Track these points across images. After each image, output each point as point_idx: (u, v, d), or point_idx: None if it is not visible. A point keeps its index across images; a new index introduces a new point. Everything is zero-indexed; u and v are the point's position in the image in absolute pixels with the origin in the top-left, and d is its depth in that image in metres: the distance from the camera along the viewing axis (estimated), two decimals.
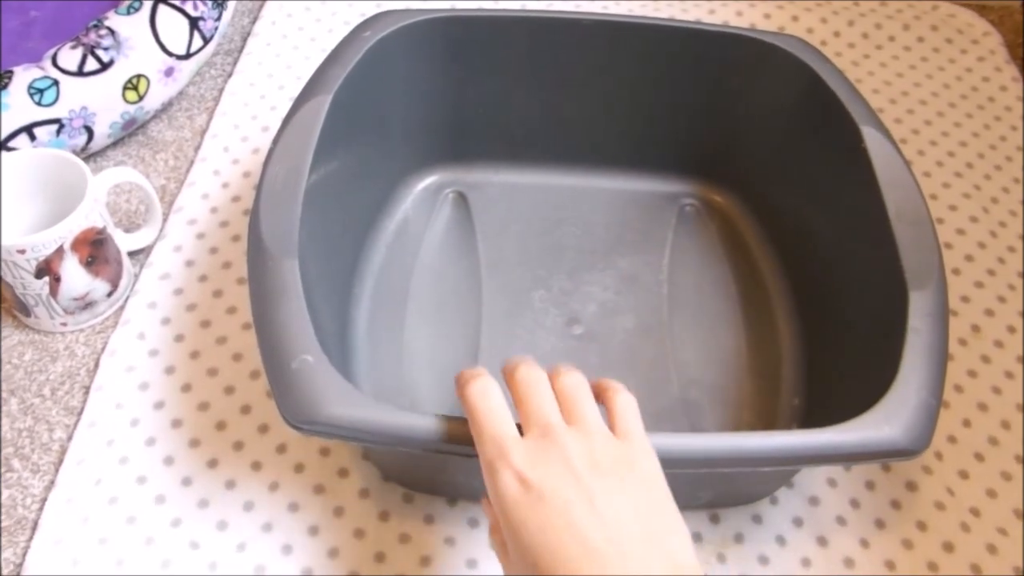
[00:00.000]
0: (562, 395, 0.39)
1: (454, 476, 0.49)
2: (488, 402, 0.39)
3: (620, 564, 0.34)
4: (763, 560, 0.50)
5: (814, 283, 0.58)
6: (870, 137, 0.52)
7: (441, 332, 0.57)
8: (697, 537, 0.51)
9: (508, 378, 0.40)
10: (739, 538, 0.51)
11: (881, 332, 0.47)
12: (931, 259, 0.47)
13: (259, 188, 0.48)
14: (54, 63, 0.63)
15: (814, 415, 0.53)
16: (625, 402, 0.40)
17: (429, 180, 0.65)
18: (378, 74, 0.56)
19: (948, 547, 0.51)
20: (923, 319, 0.44)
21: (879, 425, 0.41)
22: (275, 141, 0.50)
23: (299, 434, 0.41)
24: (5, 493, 0.51)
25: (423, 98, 0.60)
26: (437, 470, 0.49)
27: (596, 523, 0.34)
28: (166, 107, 0.70)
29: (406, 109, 0.60)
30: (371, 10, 0.77)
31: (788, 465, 0.45)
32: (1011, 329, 0.60)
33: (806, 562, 0.50)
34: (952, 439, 0.55)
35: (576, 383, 0.40)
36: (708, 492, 0.50)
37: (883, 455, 0.41)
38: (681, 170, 0.65)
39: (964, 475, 0.53)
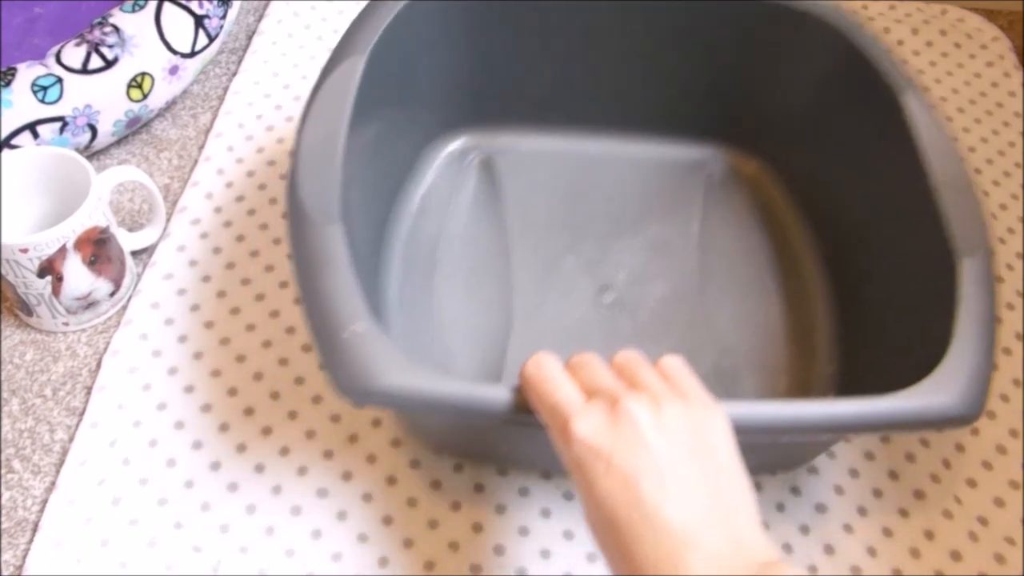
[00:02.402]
0: (620, 368, 0.40)
1: (505, 446, 0.49)
2: (546, 371, 0.39)
3: (685, 544, 0.34)
4: (804, 529, 0.50)
5: (847, 251, 0.57)
6: (909, 104, 0.51)
7: (473, 299, 0.57)
8: None
9: (564, 367, 0.40)
10: (780, 507, 0.51)
11: (924, 300, 0.47)
12: (979, 225, 0.47)
13: (296, 152, 0.47)
14: (58, 60, 0.62)
15: (849, 382, 0.53)
16: (673, 363, 0.40)
17: (454, 145, 0.64)
18: (407, 37, 0.54)
19: (999, 501, 0.51)
20: (974, 286, 0.44)
21: (937, 392, 0.41)
22: (310, 103, 0.49)
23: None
24: (6, 495, 0.51)
25: (449, 62, 0.59)
26: (487, 440, 0.49)
27: (663, 498, 0.34)
28: (170, 105, 0.70)
29: (433, 73, 0.59)
30: None
31: (851, 432, 0.45)
32: (1007, 351, 0.59)
33: (848, 528, 0.50)
34: (1005, 398, 0.56)
35: (632, 355, 0.40)
36: (753, 459, 0.50)
37: (941, 423, 0.42)
38: (710, 137, 0.64)
39: (1015, 433, 0.54)
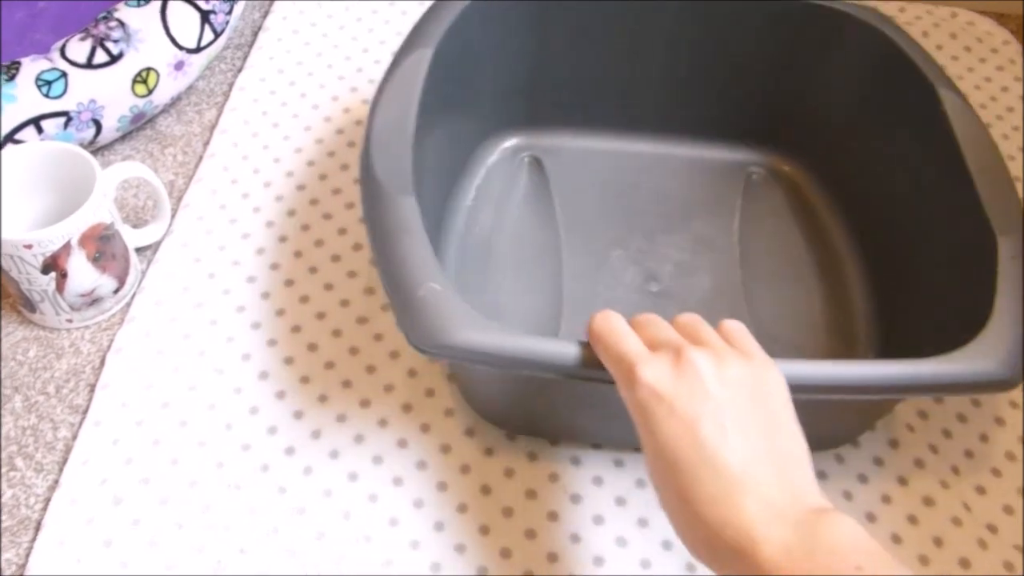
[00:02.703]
0: (683, 327, 0.41)
1: (559, 414, 0.51)
2: (612, 324, 0.41)
3: (741, 487, 0.35)
4: (847, 496, 0.52)
5: (884, 243, 0.59)
6: (947, 99, 0.54)
7: (525, 288, 0.59)
8: None
9: (630, 324, 0.42)
10: (822, 475, 0.52)
11: (961, 285, 0.50)
12: (1014, 206, 0.49)
13: (368, 133, 0.50)
14: (63, 55, 0.62)
15: None
16: (735, 325, 0.42)
17: (507, 144, 0.66)
18: (470, 34, 0.57)
19: None
20: (1011, 261, 0.47)
21: (980, 356, 0.43)
22: (380, 90, 0.52)
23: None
24: (8, 492, 0.50)
25: (507, 61, 0.62)
26: (541, 409, 0.51)
27: (722, 442, 0.36)
28: (175, 101, 0.69)
29: (492, 72, 0.62)
30: (384, 8, 0.77)
31: (895, 394, 0.48)
32: None
33: (886, 499, 0.52)
34: None
35: (694, 316, 0.42)
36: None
37: (984, 386, 0.44)
38: (749, 139, 0.67)
39: None
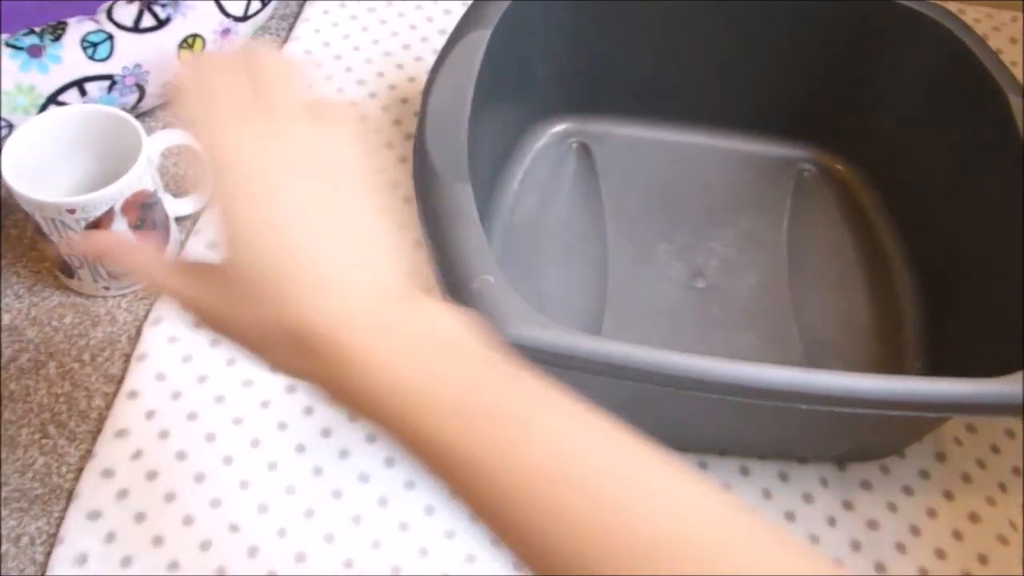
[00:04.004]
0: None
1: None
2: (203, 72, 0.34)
3: (309, 267, 0.30)
4: (892, 507, 0.51)
5: (940, 254, 0.58)
6: (1016, 106, 0.52)
7: (569, 279, 0.58)
8: (823, 483, 0.51)
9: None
10: (866, 485, 0.52)
11: (1016, 299, 0.48)
12: None
13: (422, 115, 0.49)
14: (109, 17, 0.60)
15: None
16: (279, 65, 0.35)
17: (556, 129, 0.65)
18: (528, 16, 0.56)
19: None
20: None
21: None
22: (435, 70, 0.51)
23: None
24: (40, 460, 0.50)
25: (562, 45, 0.61)
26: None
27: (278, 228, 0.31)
28: None
29: (547, 55, 0.60)
30: None
31: (944, 413, 0.47)
32: None
33: (932, 513, 0.51)
34: None
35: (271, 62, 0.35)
36: (843, 445, 0.51)
37: None
38: (801, 136, 0.66)
39: None
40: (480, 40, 0.52)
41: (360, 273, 0.31)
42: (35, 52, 0.58)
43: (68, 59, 0.58)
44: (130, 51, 0.60)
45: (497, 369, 0.30)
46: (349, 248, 0.32)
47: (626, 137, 0.65)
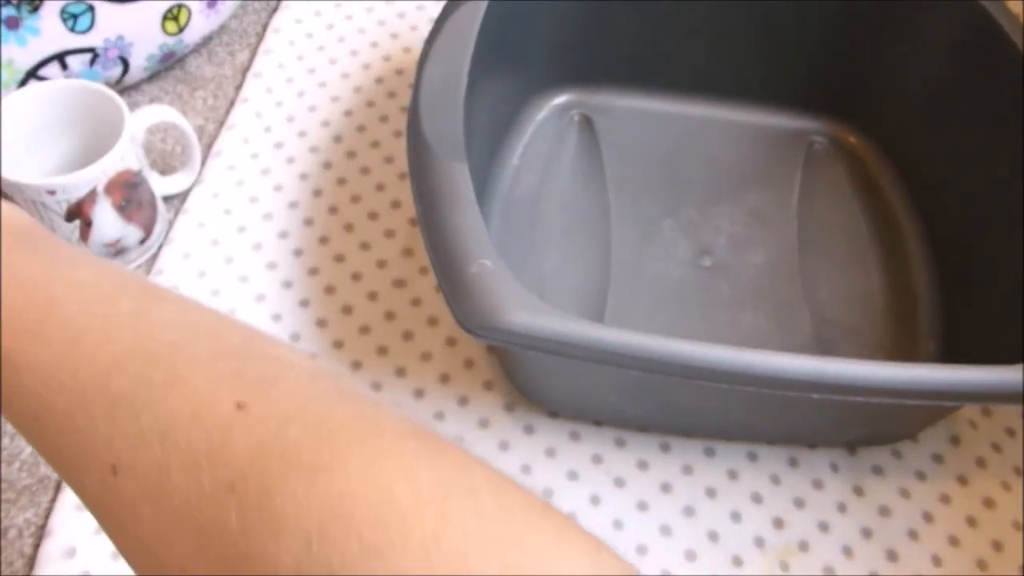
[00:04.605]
0: None
1: (607, 399, 0.49)
2: None
3: None
4: (904, 493, 0.50)
5: (955, 231, 0.56)
6: None
7: (572, 256, 0.57)
8: (834, 469, 0.50)
9: None
10: (878, 471, 0.50)
11: None
12: None
13: (416, 90, 0.47)
14: None
15: (951, 360, 0.52)
16: None
17: (557, 101, 0.63)
18: None
19: None
20: None
21: None
22: (429, 42, 0.49)
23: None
24: (27, 450, 0.48)
25: (560, 13, 0.58)
26: (587, 392, 0.49)
27: None
28: (206, 41, 0.66)
29: (546, 25, 0.58)
30: None
31: (957, 401, 0.45)
32: None
33: (945, 498, 0.50)
34: None
35: None
36: (858, 429, 0.50)
37: None
38: (812, 107, 0.63)
39: None
40: (477, 8, 0.49)
41: None
42: (12, 24, 0.55)
43: (47, 31, 0.56)
44: (112, 22, 0.57)
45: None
46: None
47: (630, 109, 0.63)
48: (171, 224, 0.57)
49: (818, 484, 0.49)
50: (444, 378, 0.52)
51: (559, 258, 0.56)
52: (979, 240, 0.54)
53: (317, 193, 0.58)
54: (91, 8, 0.57)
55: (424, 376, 0.52)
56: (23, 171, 0.48)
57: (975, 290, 0.53)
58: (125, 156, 0.50)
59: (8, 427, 0.48)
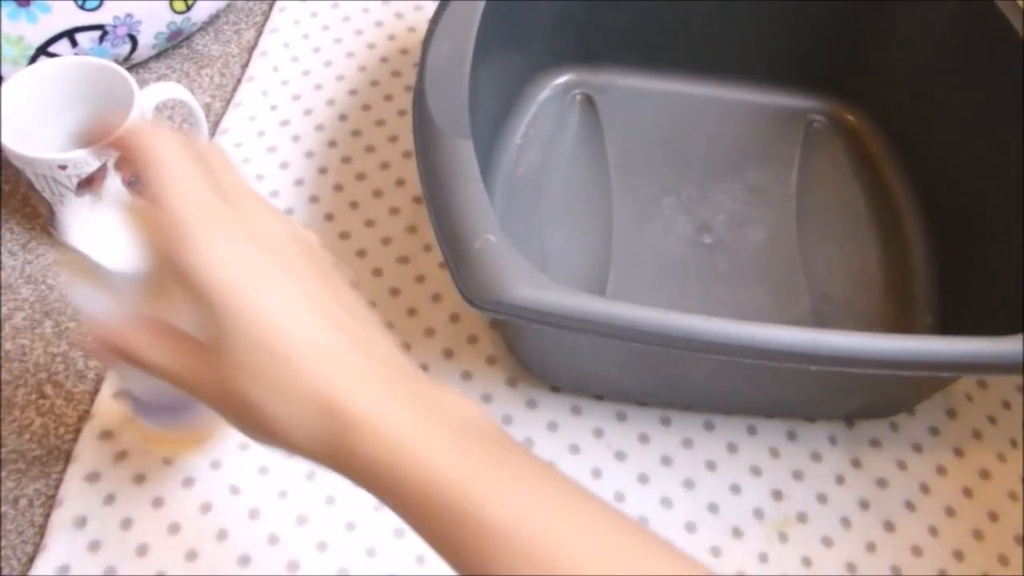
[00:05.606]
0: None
1: (608, 372, 0.50)
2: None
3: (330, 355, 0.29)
4: (901, 465, 0.51)
5: (953, 207, 0.57)
6: None
7: (573, 234, 0.57)
8: (832, 441, 0.51)
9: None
10: (875, 443, 0.51)
11: None
12: None
13: (421, 68, 0.47)
14: None
15: (949, 333, 0.52)
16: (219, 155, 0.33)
17: (560, 80, 0.64)
18: None
19: None
20: None
21: None
22: (435, 20, 0.49)
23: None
24: (37, 421, 0.49)
25: None
26: (589, 366, 0.50)
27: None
28: (213, 19, 0.66)
29: (548, 5, 0.58)
30: None
31: (953, 372, 0.46)
32: None
33: (941, 470, 0.51)
34: None
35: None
36: (855, 401, 0.51)
37: None
38: (811, 86, 0.64)
39: None
40: None
41: (364, 345, 0.30)
42: (23, 1, 0.56)
43: (58, 8, 0.56)
44: (121, 0, 0.58)
45: (506, 448, 0.30)
46: (349, 322, 0.31)
47: (631, 88, 0.63)
48: None
49: (816, 456, 0.50)
50: (448, 353, 0.52)
51: (561, 235, 0.57)
52: (976, 216, 0.54)
53: (322, 171, 0.59)
54: None
55: (428, 351, 0.52)
56: (35, 146, 0.49)
57: (972, 265, 0.54)
58: None
59: (17, 397, 0.49)
